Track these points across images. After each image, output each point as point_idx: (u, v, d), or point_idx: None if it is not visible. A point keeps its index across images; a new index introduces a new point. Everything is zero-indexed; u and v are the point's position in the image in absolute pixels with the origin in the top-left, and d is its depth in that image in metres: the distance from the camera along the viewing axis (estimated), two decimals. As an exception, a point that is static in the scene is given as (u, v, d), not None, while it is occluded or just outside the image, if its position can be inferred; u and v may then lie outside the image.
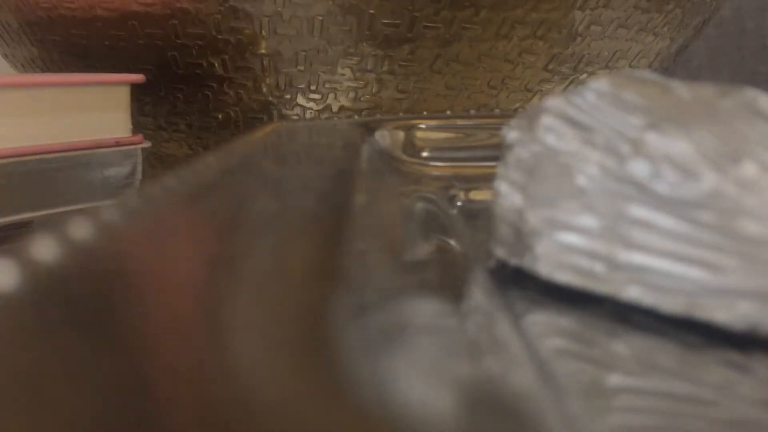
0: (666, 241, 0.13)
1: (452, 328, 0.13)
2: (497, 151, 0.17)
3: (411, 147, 0.28)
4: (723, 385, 0.11)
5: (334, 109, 0.37)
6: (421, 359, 0.10)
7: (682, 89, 0.15)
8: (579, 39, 0.37)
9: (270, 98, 0.37)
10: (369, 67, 0.36)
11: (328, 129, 0.28)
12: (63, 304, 0.08)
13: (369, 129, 0.28)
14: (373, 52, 0.35)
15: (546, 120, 0.15)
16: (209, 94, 0.37)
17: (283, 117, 0.37)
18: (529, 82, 0.37)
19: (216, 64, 0.36)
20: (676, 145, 0.13)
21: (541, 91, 0.38)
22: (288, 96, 0.37)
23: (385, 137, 0.28)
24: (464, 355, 0.11)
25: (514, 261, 0.15)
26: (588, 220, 0.14)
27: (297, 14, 0.34)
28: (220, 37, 0.36)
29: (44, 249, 0.09)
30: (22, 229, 0.29)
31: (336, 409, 0.06)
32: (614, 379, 0.11)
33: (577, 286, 0.14)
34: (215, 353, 0.07)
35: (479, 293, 0.15)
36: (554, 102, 0.16)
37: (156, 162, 0.41)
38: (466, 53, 0.36)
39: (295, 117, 0.37)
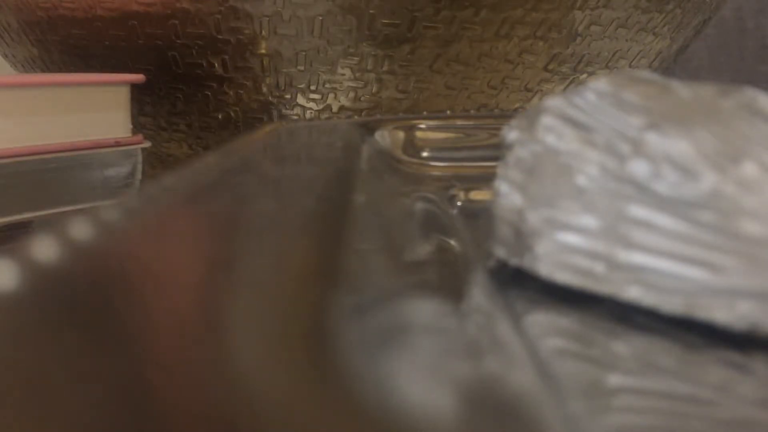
0: (666, 241, 0.13)
1: (452, 328, 0.13)
2: (497, 151, 0.17)
3: (411, 147, 0.28)
4: (723, 385, 0.11)
5: (334, 109, 0.37)
6: (421, 359, 0.10)
7: (682, 89, 0.15)
8: (579, 39, 0.37)
9: (270, 98, 0.37)
10: (369, 67, 0.36)
11: (328, 129, 0.28)
12: (63, 304, 0.08)
13: (369, 129, 0.28)
14: (373, 52, 0.35)
15: (546, 120, 0.15)
16: (209, 94, 0.37)
17: (283, 117, 0.37)
18: (529, 82, 0.37)
19: (216, 64, 0.36)
20: (676, 145, 0.13)
21: (541, 91, 0.38)
22: (288, 96, 0.37)
23: (385, 137, 0.28)
24: (464, 355, 0.11)
25: (514, 261, 0.15)
26: (588, 220, 0.14)
27: (297, 14, 0.34)
28: (220, 37, 0.36)
29: (44, 249, 0.09)
30: (22, 229, 0.29)
31: (336, 409, 0.06)
32: (614, 379, 0.11)
33: (577, 286, 0.14)
34: (215, 353, 0.07)
35: (479, 293, 0.15)
36: (554, 102, 0.16)
37: (156, 162, 0.41)
38: (466, 53, 0.36)
39: (295, 117, 0.37)
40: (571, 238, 0.14)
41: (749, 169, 0.13)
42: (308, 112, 0.37)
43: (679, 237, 0.13)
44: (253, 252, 0.11)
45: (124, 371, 0.07)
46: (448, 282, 0.15)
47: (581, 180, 0.14)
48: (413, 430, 0.07)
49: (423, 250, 0.17)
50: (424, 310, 0.13)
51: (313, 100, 0.37)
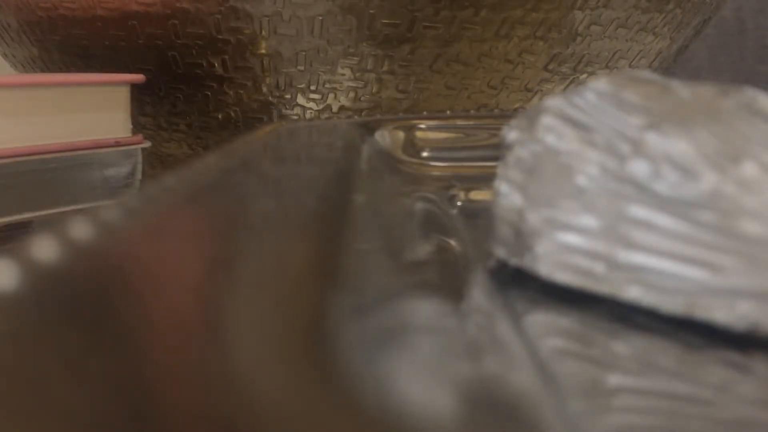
0: (666, 241, 0.13)
1: (452, 328, 0.13)
2: (497, 151, 0.17)
3: (411, 147, 0.28)
4: (723, 385, 0.11)
5: (334, 109, 0.37)
6: (421, 359, 0.10)
7: (682, 89, 0.15)
8: (579, 39, 0.37)
9: (270, 98, 0.37)
10: (369, 67, 0.36)
11: (328, 129, 0.28)
12: (63, 304, 0.08)
13: (369, 129, 0.28)
14: (373, 52, 0.35)
15: (546, 120, 0.15)
16: (209, 94, 0.37)
17: (283, 117, 0.37)
18: (529, 82, 0.37)
19: (216, 64, 0.36)
20: (676, 145, 0.13)
21: (541, 91, 0.38)
22: (288, 96, 0.37)
23: (385, 137, 0.28)
24: (464, 355, 0.11)
25: (514, 261, 0.15)
26: (588, 220, 0.14)
27: (297, 14, 0.34)
28: (220, 37, 0.36)
29: (44, 249, 0.09)
30: (22, 229, 0.29)
31: (336, 409, 0.06)
32: (614, 379, 0.11)
33: (577, 286, 0.14)
34: (215, 353, 0.07)
35: (479, 293, 0.15)
36: (554, 102, 0.16)
37: (156, 162, 0.41)
38: (466, 53, 0.36)
39: (295, 117, 0.37)
40: (571, 238, 0.14)
41: (749, 169, 0.13)
42: (308, 112, 0.37)
43: (679, 237, 0.13)
44: (253, 252, 0.11)
45: (124, 371, 0.07)
46: (448, 282, 0.15)
47: (581, 180, 0.14)
48: (413, 430, 0.07)
49: (423, 250, 0.17)
50: (424, 310, 0.13)
51: (313, 100, 0.37)
